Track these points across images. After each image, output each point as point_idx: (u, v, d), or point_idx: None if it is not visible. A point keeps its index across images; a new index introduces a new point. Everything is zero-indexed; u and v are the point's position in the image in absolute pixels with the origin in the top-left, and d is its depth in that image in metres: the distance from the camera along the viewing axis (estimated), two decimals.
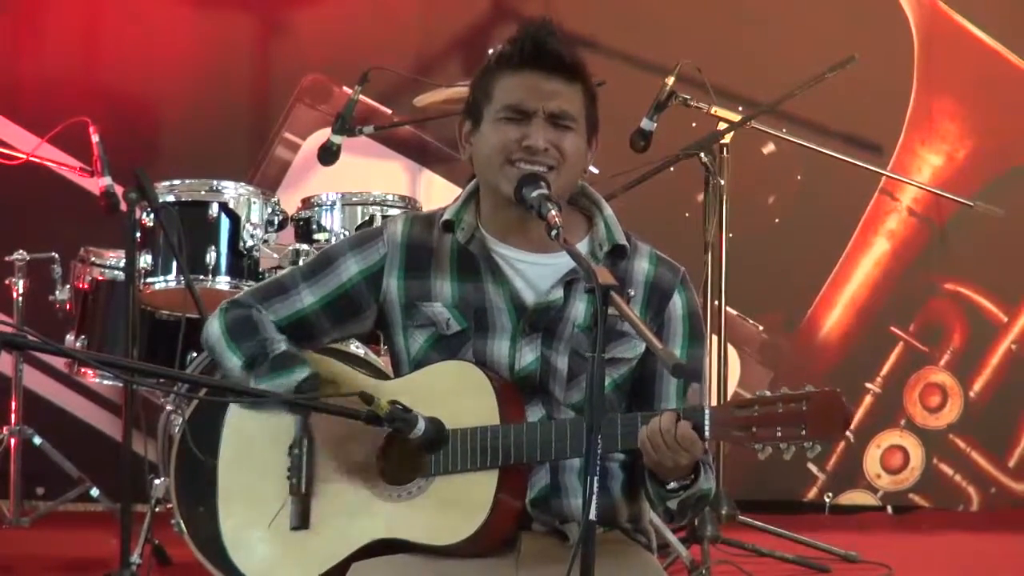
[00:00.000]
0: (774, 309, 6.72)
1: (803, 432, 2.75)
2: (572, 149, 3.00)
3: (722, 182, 5.31)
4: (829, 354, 6.74)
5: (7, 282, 5.70)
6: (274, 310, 3.12)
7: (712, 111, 5.41)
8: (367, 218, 5.28)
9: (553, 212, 2.88)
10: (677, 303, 3.07)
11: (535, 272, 3.04)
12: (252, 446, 3.10)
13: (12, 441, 5.70)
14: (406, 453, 2.97)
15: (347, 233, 5.19)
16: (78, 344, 5.23)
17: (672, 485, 2.91)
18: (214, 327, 3.12)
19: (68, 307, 5.37)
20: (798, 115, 6.33)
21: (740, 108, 5.83)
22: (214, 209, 5.14)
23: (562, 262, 3.01)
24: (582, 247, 3.03)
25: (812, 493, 6.69)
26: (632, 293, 3.03)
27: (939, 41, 6.72)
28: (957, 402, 6.73)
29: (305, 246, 5.18)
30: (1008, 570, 5.62)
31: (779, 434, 2.76)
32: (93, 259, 5.30)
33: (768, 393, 2.80)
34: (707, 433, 2.81)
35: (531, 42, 3.00)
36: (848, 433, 6.60)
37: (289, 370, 3.02)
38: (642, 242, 3.11)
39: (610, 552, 2.97)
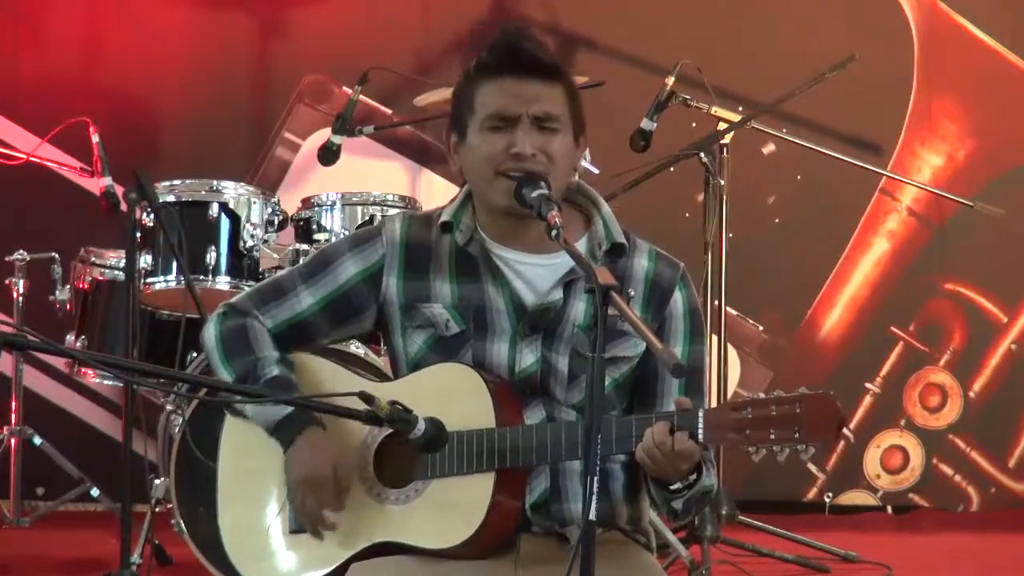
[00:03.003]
0: (774, 309, 6.72)
1: (797, 434, 2.76)
2: (559, 152, 2.99)
3: (722, 182, 5.31)
4: (829, 354, 6.74)
5: (7, 282, 5.69)
6: (272, 315, 3.11)
7: (712, 111, 5.41)
8: (367, 218, 5.29)
9: (553, 212, 2.88)
10: (677, 300, 3.07)
11: (534, 273, 3.03)
12: (251, 448, 3.10)
13: (12, 441, 5.70)
14: (403, 456, 2.97)
15: (347, 233, 5.18)
16: (78, 344, 5.23)
17: (676, 486, 2.91)
18: (210, 334, 3.11)
19: (68, 307, 5.37)
20: (798, 115, 6.33)
21: (740, 108, 5.83)
22: (214, 209, 5.14)
23: (561, 262, 3.00)
24: (581, 246, 3.03)
25: (812, 493, 6.69)
26: (632, 293, 3.03)
27: (939, 41, 6.72)
28: (957, 402, 6.73)
29: (305, 246, 5.18)
30: (1008, 570, 5.62)
31: (773, 436, 2.76)
32: (93, 259, 5.30)
33: (762, 395, 2.80)
34: (701, 437, 2.81)
35: (506, 48, 2.99)
36: (848, 433, 6.61)
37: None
38: (641, 239, 3.11)
39: (610, 552, 2.97)
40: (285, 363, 3.07)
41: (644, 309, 3.04)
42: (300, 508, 3.00)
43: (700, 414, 2.82)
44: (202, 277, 5.08)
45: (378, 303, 3.08)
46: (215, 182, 5.22)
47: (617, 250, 3.04)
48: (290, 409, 3.00)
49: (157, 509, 4.92)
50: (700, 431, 2.80)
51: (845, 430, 6.33)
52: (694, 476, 2.90)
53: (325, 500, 2.98)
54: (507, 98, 2.97)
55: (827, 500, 6.67)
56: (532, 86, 2.98)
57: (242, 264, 5.16)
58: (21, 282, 5.68)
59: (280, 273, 3.20)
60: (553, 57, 3.02)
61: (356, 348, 4.78)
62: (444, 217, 3.06)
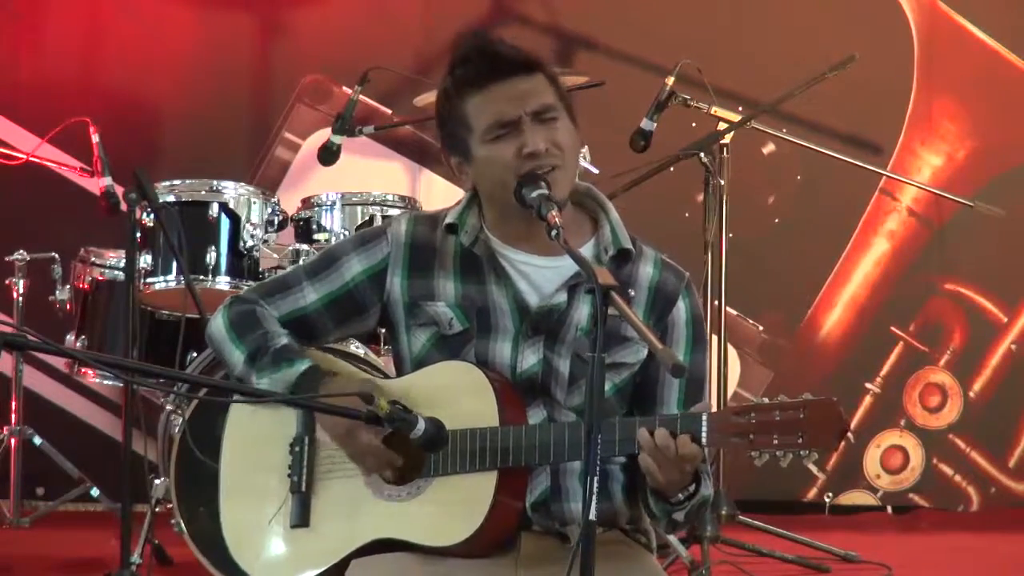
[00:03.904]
0: (774, 309, 6.72)
1: (800, 440, 2.76)
2: (567, 138, 2.99)
3: (722, 182, 5.31)
4: (829, 354, 6.74)
5: (7, 282, 5.70)
6: (277, 306, 3.11)
7: (712, 111, 5.41)
8: (367, 218, 5.29)
9: (553, 212, 2.88)
10: (681, 308, 3.07)
11: (540, 275, 3.03)
12: (254, 443, 3.11)
13: (12, 441, 5.70)
14: (406, 453, 2.97)
15: (347, 233, 5.19)
16: (78, 344, 5.23)
17: (678, 497, 2.92)
18: (218, 322, 3.13)
19: (68, 307, 5.37)
20: (798, 115, 6.33)
21: (740, 108, 5.83)
22: (214, 209, 5.14)
23: (566, 265, 3.00)
24: (587, 250, 3.03)
25: (812, 493, 6.69)
26: (632, 293, 3.03)
27: (939, 41, 6.72)
28: (957, 402, 6.73)
29: (305, 246, 5.19)
30: (1008, 570, 5.62)
31: (776, 442, 2.77)
32: (93, 259, 5.30)
33: (766, 400, 2.80)
34: (704, 440, 2.81)
35: (479, 56, 3.00)
36: (848, 433, 6.60)
37: (290, 362, 3.02)
38: (647, 246, 3.10)
39: (610, 553, 2.98)
40: (293, 338, 3.08)
41: (647, 315, 3.03)
42: (354, 451, 2.97)
43: (704, 418, 2.82)
44: (202, 277, 5.08)
45: (382, 301, 3.08)
46: (215, 182, 5.22)
47: (623, 256, 3.04)
48: (305, 367, 3.00)
49: (157, 509, 4.91)
50: (704, 434, 2.81)
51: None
52: (694, 487, 2.91)
53: (367, 439, 2.96)
54: (500, 104, 2.97)
55: (827, 500, 6.67)
56: (518, 84, 2.98)
57: (242, 264, 5.16)
58: (21, 282, 5.69)
59: (286, 270, 3.22)
60: (525, 50, 3.02)
61: (356, 348, 4.78)
62: (449, 219, 3.06)
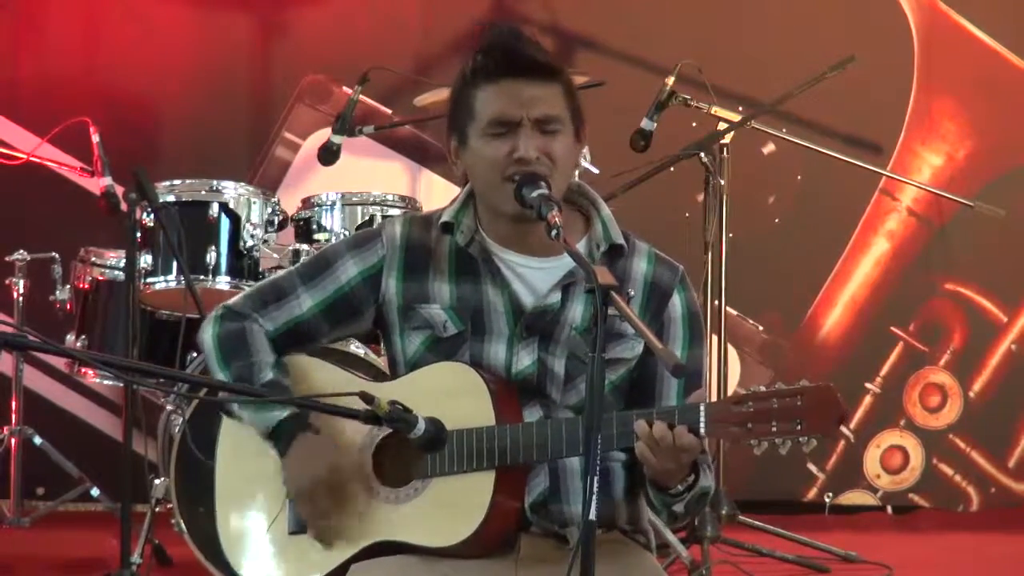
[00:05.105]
0: (774, 309, 6.72)
1: (799, 427, 2.76)
2: (562, 152, 2.98)
3: (722, 182, 5.31)
4: (829, 354, 6.74)
5: (7, 282, 5.70)
6: (271, 318, 3.10)
7: (712, 111, 5.41)
8: (367, 218, 5.29)
9: (553, 212, 2.87)
10: (676, 303, 3.07)
11: (534, 276, 3.03)
12: (248, 452, 3.09)
13: (12, 441, 5.71)
14: (403, 455, 2.97)
15: (347, 233, 5.19)
16: (78, 344, 5.23)
17: (677, 488, 2.91)
18: (208, 335, 3.11)
19: (68, 307, 5.37)
20: (798, 115, 6.33)
21: (740, 108, 5.83)
22: (214, 209, 5.14)
23: (560, 265, 3.00)
24: (580, 247, 3.01)
25: (812, 493, 6.69)
26: (632, 293, 3.03)
27: (939, 41, 6.72)
28: (957, 402, 6.73)
29: (305, 246, 5.19)
30: (1008, 570, 5.62)
31: (775, 429, 2.76)
32: (93, 259, 5.30)
33: (763, 388, 2.80)
34: (703, 430, 2.81)
35: (501, 51, 2.98)
36: (848, 432, 6.61)
37: (271, 406, 3.00)
38: (640, 241, 3.10)
39: (609, 553, 2.97)
40: (280, 367, 3.07)
41: (643, 311, 3.03)
42: (304, 516, 3.00)
43: (702, 408, 2.82)
44: (202, 277, 5.08)
45: (377, 303, 3.08)
46: (215, 182, 5.23)
47: (615, 251, 3.04)
48: (284, 415, 3.00)
49: (157, 509, 4.92)
50: (702, 424, 2.80)
51: (845, 429, 6.34)
52: (692, 478, 2.91)
53: (325, 506, 2.97)
54: (506, 102, 2.96)
55: (827, 500, 6.67)
56: (530, 88, 2.96)
57: (242, 264, 5.16)
58: (21, 282, 5.69)
59: (279, 274, 3.19)
60: (549, 56, 3.01)
61: (356, 348, 4.78)
62: (445, 218, 3.05)
